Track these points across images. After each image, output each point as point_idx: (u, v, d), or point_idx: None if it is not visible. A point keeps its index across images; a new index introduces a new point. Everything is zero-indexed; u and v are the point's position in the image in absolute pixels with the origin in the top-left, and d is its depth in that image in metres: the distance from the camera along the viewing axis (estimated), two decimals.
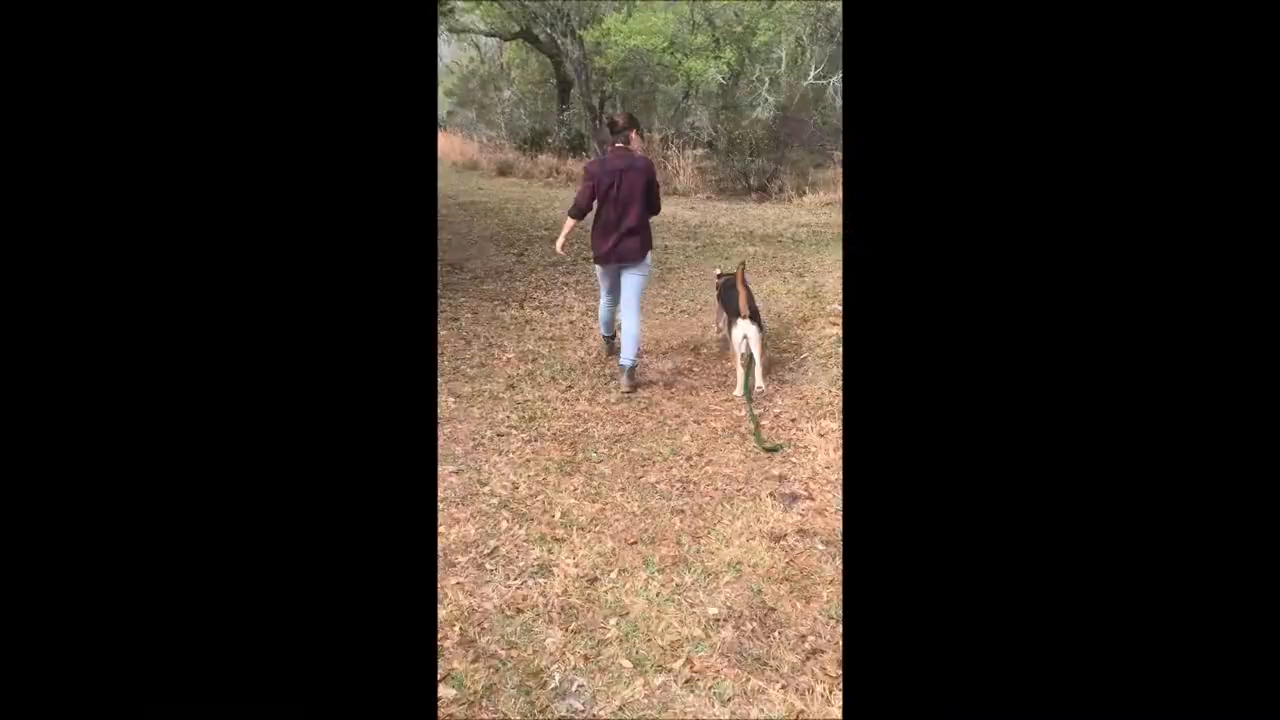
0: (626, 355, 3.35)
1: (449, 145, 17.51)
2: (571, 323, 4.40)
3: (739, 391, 3.22)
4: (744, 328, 3.21)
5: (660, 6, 13.35)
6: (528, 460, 2.70)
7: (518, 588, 1.95)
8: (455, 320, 4.43)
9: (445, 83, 21.29)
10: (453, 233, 7.71)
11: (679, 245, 6.82)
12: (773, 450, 2.72)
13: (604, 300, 3.66)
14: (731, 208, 9.39)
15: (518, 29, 15.26)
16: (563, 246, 3.61)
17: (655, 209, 3.44)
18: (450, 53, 21.40)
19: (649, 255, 3.44)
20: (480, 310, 4.65)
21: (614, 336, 3.71)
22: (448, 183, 12.86)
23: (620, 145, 3.39)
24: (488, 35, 16.54)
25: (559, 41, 13.62)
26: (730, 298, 3.39)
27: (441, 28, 15.65)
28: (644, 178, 3.32)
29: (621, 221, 3.28)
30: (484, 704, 1.55)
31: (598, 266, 3.56)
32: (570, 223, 3.51)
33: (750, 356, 3.25)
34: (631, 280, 3.39)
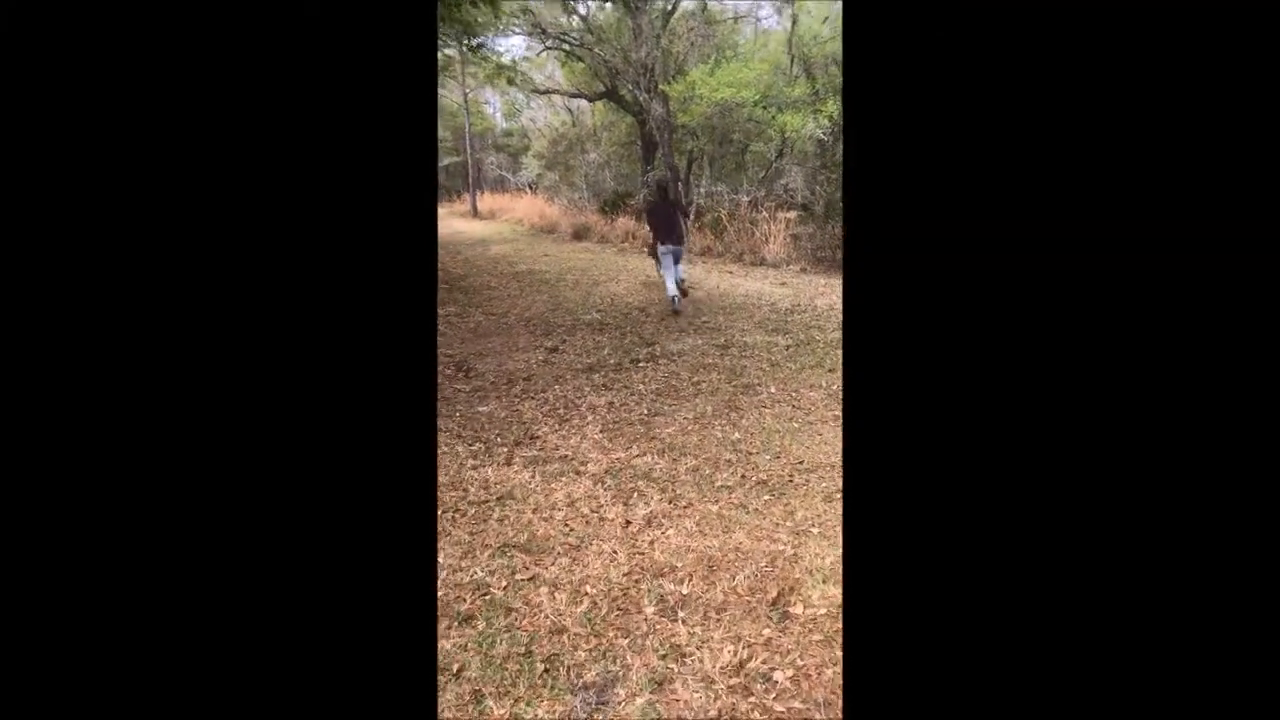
0: (678, 287, 6.00)
1: (531, 207, 16.44)
2: (573, 504, 2.52)
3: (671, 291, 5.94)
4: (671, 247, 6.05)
5: (752, 56, 11.75)
6: None
7: None
8: None
9: (536, 145, 20.56)
10: (486, 313, 6.11)
11: (762, 344, 4.88)
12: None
13: (667, 276, 6.00)
14: (831, 283, 7.38)
15: (603, 89, 14.08)
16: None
17: (685, 217, 7.61)
18: (543, 117, 20.71)
19: (684, 242, 6.42)
20: (447, 463, 2.88)
21: (675, 297, 5.93)
22: (515, 247, 11.51)
23: (663, 200, 6.38)
24: (572, 96, 15.48)
25: (642, 99, 12.23)
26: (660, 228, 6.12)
27: (509, 88, 14.74)
28: (676, 210, 6.38)
29: (670, 230, 6.05)
30: None
31: (660, 248, 6.04)
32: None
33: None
34: (678, 255, 6.06)
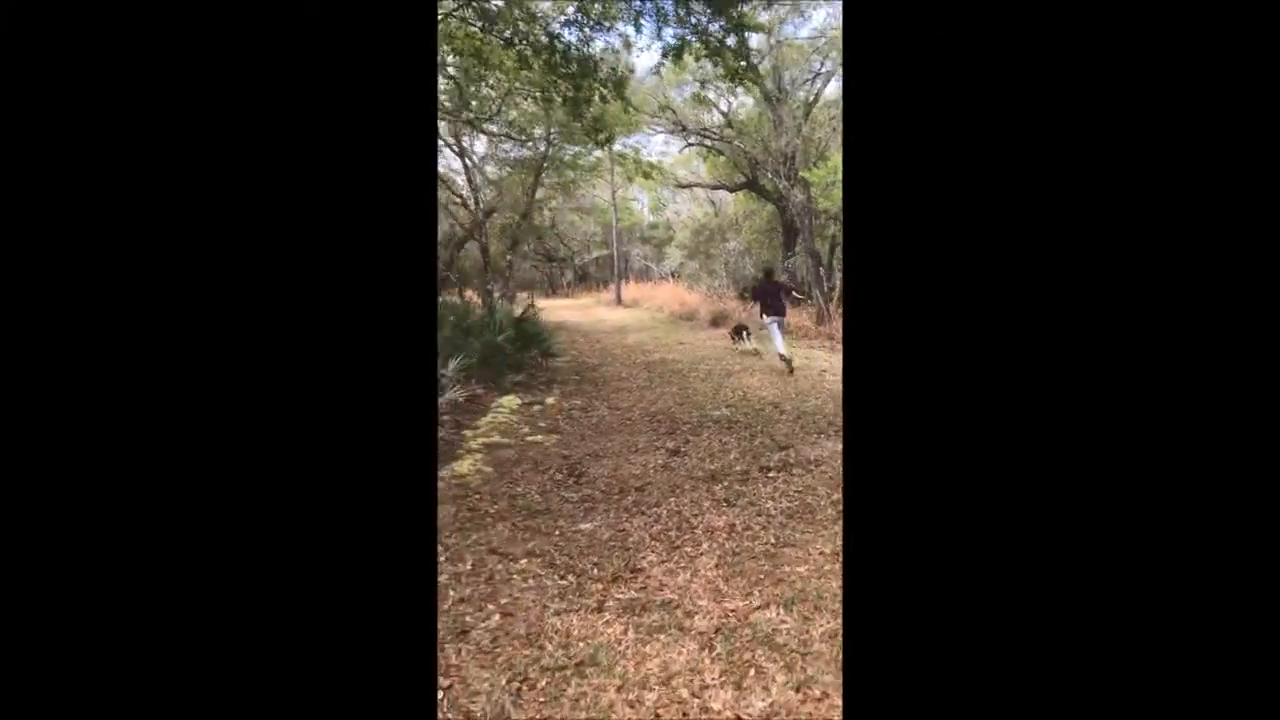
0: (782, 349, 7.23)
1: (671, 295, 16.48)
2: (669, 680, 1.91)
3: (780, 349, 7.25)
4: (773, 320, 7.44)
5: None
6: None
7: None
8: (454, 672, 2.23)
9: (679, 236, 20.91)
10: (612, 407, 5.77)
11: None
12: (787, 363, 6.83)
13: (776, 341, 7.31)
14: None
15: (743, 179, 14.01)
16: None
17: (789, 295, 7.93)
18: (686, 209, 21.13)
19: (785, 314, 7.69)
20: (529, 604, 2.42)
21: (789, 360, 7.14)
22: (652, 335, 11.35)
23: (769, 281, 7.98)
24: (714, 188, 15.55)
25: (782, 187, 11.92)
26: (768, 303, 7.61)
27: (663, 182, 15.05)
28: (781, 289, 7.77)
29: (776, 305, 7.50)
30: None
31: (766, 319, 7.55)
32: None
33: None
34: (780, 324, 7.45)
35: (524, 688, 1.91)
